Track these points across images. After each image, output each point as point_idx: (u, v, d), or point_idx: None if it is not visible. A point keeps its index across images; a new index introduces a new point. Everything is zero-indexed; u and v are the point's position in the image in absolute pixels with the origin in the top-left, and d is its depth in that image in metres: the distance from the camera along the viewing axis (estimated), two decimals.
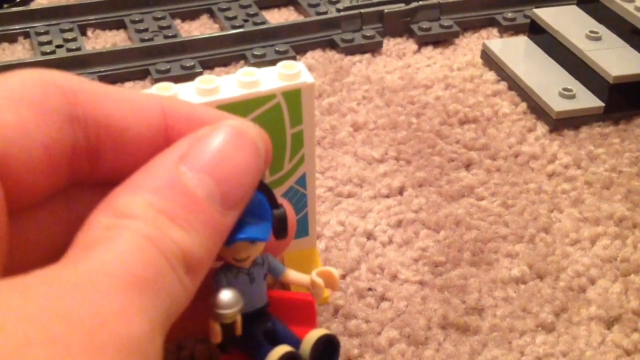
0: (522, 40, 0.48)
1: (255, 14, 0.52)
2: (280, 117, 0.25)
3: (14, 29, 0.49)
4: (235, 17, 0.51)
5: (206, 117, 0.20)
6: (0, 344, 0.12)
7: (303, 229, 0.28)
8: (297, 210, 0.27)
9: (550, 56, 0.45)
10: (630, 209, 0.35)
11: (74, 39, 0.48)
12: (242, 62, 0.47)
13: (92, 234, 0.16)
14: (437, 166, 0.38)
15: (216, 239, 0.18)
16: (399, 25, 0.50)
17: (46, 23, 0.50)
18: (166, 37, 0.49)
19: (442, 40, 0.50)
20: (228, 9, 0.52)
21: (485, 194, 0.36)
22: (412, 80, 0.45)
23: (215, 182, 0.18)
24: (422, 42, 0.50)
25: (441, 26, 0.50)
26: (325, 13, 0.51)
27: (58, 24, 0.50)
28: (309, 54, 0.48)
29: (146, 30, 0.49)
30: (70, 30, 0.49)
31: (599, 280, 0.31)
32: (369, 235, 0.33)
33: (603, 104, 0.41)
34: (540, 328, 0.29)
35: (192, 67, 0.45)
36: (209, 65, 0.47)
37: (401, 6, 0.50)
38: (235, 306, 0.20)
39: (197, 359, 0.27)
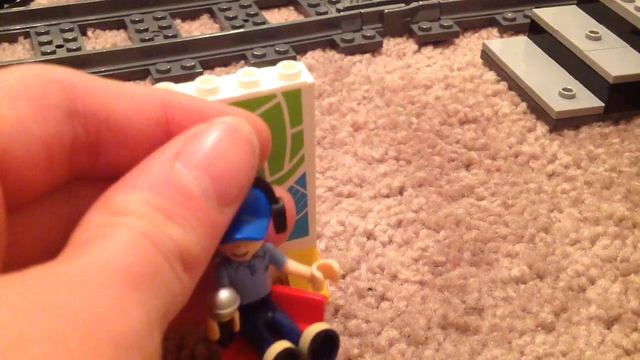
0: (522, 40, 0.48)
1: (256, 14, 0.52)
2: (280, 117, 0.25)
3: (14, 29, 0.49)
4: (235, 17, 0.51)
5: (206, 110, 0.20)
6: None
7: (303, 229, 0.28)
8: (297, 210, 0.27)
9: (550, 56, 0.45)
10: (630, 209, 0.35)
11: (74, 39, 0.48)
12: (242, 62, 0.47)
13: (88, 232, 0.16)
14: (437, 166, 0.38)
15: (213, 235, 0.18)
16: (399, 25, 0.50)
17: (46, 23, 0.50)
18: (166, 37, 0.49)
19: (442, 40, 0.50)
20: (228, 9, 0.52)
21: (485, 194, 0.36)
22: (412, 80, 0.45)
23: (210, 179, 0.18)
24: (422, 42, 0.50)
25: (441, 26, 0.50)
26: (326, 13, 0.51)
27: (58, 24, 0.50)
28: (309, 54, 0.48)
29: (146, 30, 0.49)
30: (71, 30, 0.49)
31: (599, 280, 0.31)
32: (369, 235, 0.33)
33: (603, 104, 0.41)
34: (540, 328, 0.29)
35: (193, 67, 0.45)
36: (209, 65, 0.47)
37: (401, 6, 0.50)
38: (232, 305, 0.20)
39: (197, 359, 0.27)
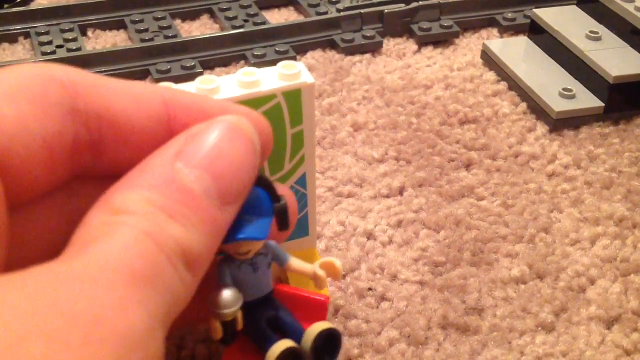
0: (522, 40, 0.48)
1: (256, 14, 0.52)
2: (280, 117, 0.25)
3: (14, 29, 0.49)
4: (235, 17, 0.51)
5: (208, 107, 0.20)
6: None
7: (303, 229, 0.28)
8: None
9: (550, 56, 0.45)
10: (630, 209, 0.35)
11: (74, 39, 0.48)
12: (242, 62, 0.47)
13: (89, 231, 0.16)
14: (437, 166, 0.38)
15: (215, 235, 0.18)
16: (399, 25, 0.50)
17: (46, 23, 0.50)
18: (166, 37, 0.49)
19: (442, 40, 0.50)
20: (228, 9, 0.52)
21: (485, 194, 0.36)
22: (412, 80, 0.45)
23: (211, 178, 0.18)
24: (422, 42, 0.50)
25: (441, 26, 0.50)
26: (326, 13, 0.51)
27: (58, 24, 0.50)
28: (309, 54, 0.48)
29: (146, 30, 0.49)
30: (71, 30, 0.49)
31: (599, 280, 0.31)
32: (369, 235, 0.33)
33: (603, 104, 0.41)
34: (540, 328, 0.29)
35: (193, 67, 0.45)
36: (209, 65, 0.47)
37: (401, 6, 0.50)
38: (235, 305, 0.20)
39: (197, 359, 0.27)
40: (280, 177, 0.27)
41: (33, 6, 0.52)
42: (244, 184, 0.19)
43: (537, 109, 0.42)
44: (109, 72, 0.45)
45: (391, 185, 0.36)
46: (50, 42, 0.47)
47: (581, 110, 0.41)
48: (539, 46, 0.46)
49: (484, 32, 0.52)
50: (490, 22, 0.52)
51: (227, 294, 0.20)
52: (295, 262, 0.23)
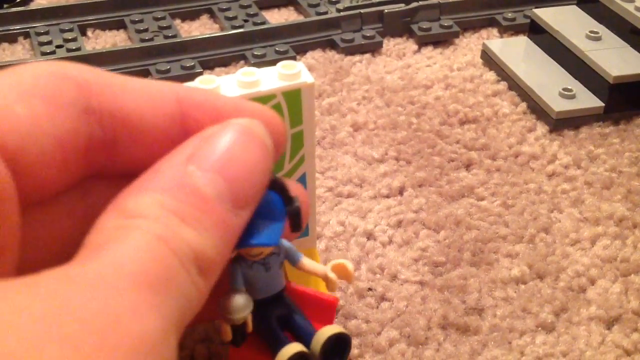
0: (522, 40, 0.48)
1: (255, 14, 0.52)
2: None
3: (14, 29, 0.49)
4: (235, 17, 0.51)
5: (221, 105, 0.20)
6: (11, 345, 0.12)
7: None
8: None
9: (550, 56, 0.45)
10: (630, 209, 0.35)
11: (74, 39, 0.48)
12: (242, 62, 0.47)
13: (102, 235, 0.16)
14: (437, 166, 0.38)
15: (228, 239, 0.17)
16: (399, 25, 0.50)
17: (46, 23, 0.50)
18: (166, 37, 0.49)
19: (442, 40, 0.50)
20: (228, 9, 0.52)
21: (485, 194, 0.36)
22: (412, 80, 0.45)
23: (225, 182, 0.17)
24: (422, 42, 0.50)
25: (441, 26, 0.50)
26: (325, 13, 0.51)
27: (58, 24, 0.50)
28: (309, 54, 0.48)
29: (146, 30, 0.49)
30: (70, 30, 0.49)
31: (599, 280, 0.31)
32: (369, 235, 0.33)
33: (603, 104, 0.41)
34: (540, 328, 0.29)
35: (192, 67, 0.45)
36: (209, 66, 0.47)
37: (401, 6, 0.50)
38: (245, 310, 0.20)
39: (197, 359, 0.27)
40: None
41: (33, 6, 0.52)
42: (257, 187, 0.18)
43: (537, 109, 0.42)
44: None
45: (391, 185, 0.36)
46: (50, 42, 0.47)
47: (581, 110, 0.41)
48: (539, 46, 0.46)
49: (484, 32, 0.52)
50: (490, 22, 0.52)
51: (238, 299, 0.20)
52: (307, 262, 0.23)
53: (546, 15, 0.46)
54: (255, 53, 0.46)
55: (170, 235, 0.16)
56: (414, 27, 0.50)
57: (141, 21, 0.51)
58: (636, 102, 0.42)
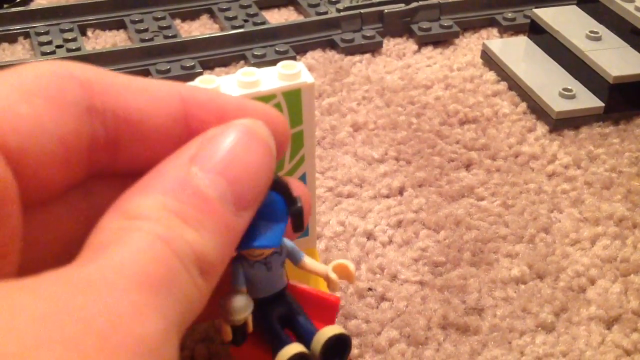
0: (522, 40, 0.48)
1: (255, 14, 0.52)
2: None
3: (14, 29, 0.49)
4: (235, 17, 0.51)
5: (225, 104, 0.20)
6: (10, 346, 0.12)
7: None
8: None
9: (550, 56, 0.45)
10: (630, 209, 0.35)
11: (74, 39, 0.48)
12: (242, 62, 0.47)
13: (103, 236, 0.16)
14: (437, 166, 0.38)
15: (230, 240, 0.17)
16: (399, 25, 0.50)
17: (46, 23, 0.50)
18: (166, 37, 0.49)
19: (442, 40, 0.50)
20: (228, 9, 0.52)
21: (485, 194, 0.36)
22: (412, 80, 0.45)
23: (227, 183, 0.17)
24: (422, 42, 0.50)
25: (441, 26, 0.50)
26: (325, 13, 0.51)
27: (58, 24, 0.50)
28: (309, 54, 0.48)
29: (146, 30, 0.49)
30: (70, 30, 0.49)
31: (599, 280, 0.31)
32: (369, 235, 0.33)
33: (603, 104, 0.41)
34: (540, 328, 0.29)
35: (192, 67, 0.45)
36: (209, 66, 0.47)
37: (401, 6, 0.50)
38: (246, 311, 0.20)
39: (197, 359, 0.27)
40: None
41: (33, 6, 0.52)
42: (259, 189, 0.18)
43: (537, 109, 0.42)
44: None
45: (391, 186, 0.36)
46: (50, 42, 0.47)
47: (581, 110, 0.41)
48: (539, 46, 0.46)
49: (484, 32, 0.52)
50: (490, 22, 0.52)
51: (238, 300, 0.20)
52: (308, 262, 0.23)
53: (546, 15, 0.46)
54: (255, 53, 0.46)
55: (172, 237, 0.16)
56: (414, 27, 0.50)
57: (141, 21, 0.51)
58: (636, 102, 0.42)
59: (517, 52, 0.46)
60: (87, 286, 0.14)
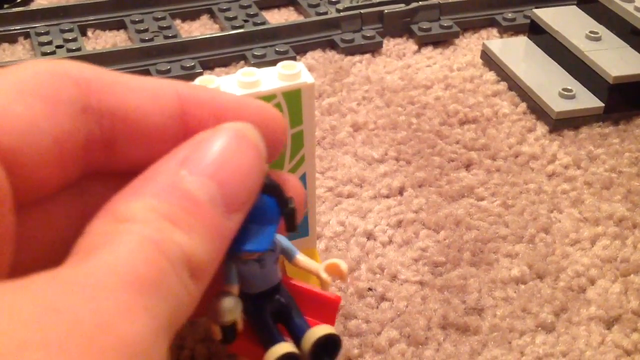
0: (522, 41, 0.48)
1: (255, 15, 0.52)
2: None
3: (14, 30, 0.49)
4: (235, 18, 0.51)
5: (222, 102, 0.20)
6: None
7: (303, 229, 0.28)
8: None
9: (550, 56, 0.45)
10: (630, 209, 0.35)
11: (74, 39, 0.48)
12: (242, 62, 0.47)
13: (92, 239, 0.16)
14: (437, 166, 0.38)
15: (220, 243, 0.17)
16: (399, 26, 0.50)
17: (46, 23, 0.50)
18: (166, 37, 0.49)
19: (442, 41, 0.50)
20: (228, 9, 0.52)
21: (485, 194, 0.36)
22: (412, 80, 0.45)
23: (217, 186, 0.17)
24: (422, 43, 0.50)
25: (441, 26, 0.50)
26: (325, 13, 0.51)
27: (58, 24, 0.50)
28: (309, 54, 0.48)
29: (146, 30, 0.49)
30: (71, 30, 0.49)
31: (599, 280, 0.31)
32: (369, 236, 0.33)
33: (603, 104, 0.41)
34: (540, 328, 0.29)
35: (192, 67, 0.45)
36: (209, 66, 0.47)
37: (401, 6, 0.50)
38: (234, 313, 0.20)
39: (197, 359, 0.27)
40: None
41: (33, 6, 0.52)
42: (249, 191, 0.18)
43: (537, 109, 0.42)
44: None
45: (391, 186, 0.36)
46: (50, 43, 0.47)
47: (581, 111, 0.41)
48: (539, 46, 0.46)
49: (484, 32, 0.52)
50: (490, 22, 0.52)
51: (226, 302, 0.20)
52: (302, 259, 0.23)
53: (546, 15, 0.46)
54: (255, 53, 0.47)
55: (162, 239, 0.16)
56: (414, 27, 0.50)
57: (141, 21, 0.51)
58: (636, 102, 0.42)
59: (517, 52, 0.46)
60: (76, 287, 0.14)
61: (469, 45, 0.50)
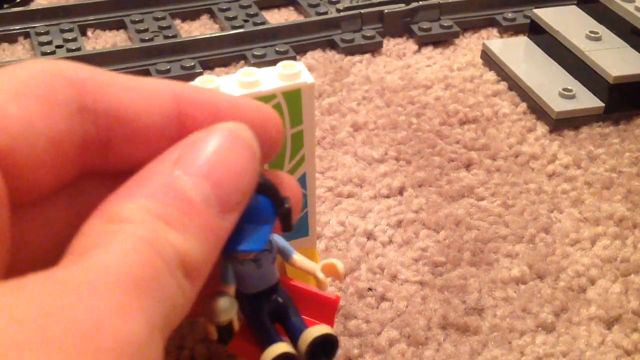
0: (522, 41, 0.48)
1: (255, 14, 0.52)
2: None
3: (14, 29, 0.49)
4: (235, 18, 0.51)
5: (218, 102, 0.20)
6: None
7: (303, 229, 0.28)
8: None
9: (550, 56, 0.45)
10: (630, 209, 0.35)
11: (74, 39, 0.48)
12: (242, 62, 0.47)
13: (87, 239, 0.16)
14: (437, 166, 0.38)
15: (214, 243, 0.17)
16: (399, 26, 0.50)
17: (46, 23, 0.50)
18: (166, 37, 0.49)
19: (442, 41, 0.50)
20: (228, 9, 0.52)
21: (485, 194, 0.36)
22: (412, 80, 0.45)
23: (211, 186, 0.17)
24: (422, 42, 0.50)
25: (441, 26, 0.50)
26: (325, 13, 0.51)
27: (58, 24, 0.50)
28: (309, 54, 0.48)
29: (146, 30, 0.49)
30: (70, 30, 0.49)
31: (599, 280, 0.31)
32: (369, 235, 0.33)
33: (603, 104, 0.41)
34: (540, 328, 0.29)
35: (192, 67, 0.45)
36: (209, 66, 0.47)
37: (401, 6, 0.50)
38: (229, 313, 0.20)
39: (197, 359, 0.27)
40: None
41: (33, 6, 0.52)
42: (244, 191, 0.18)
43: (537, 109, 0.42)
44: None
45: (391, 186, 0.36)
46: (50, 42, 0.47)
47: (581, 111, 0.41)
48: (539, 46, 0.46)
49: (484, 32, 0.52)
50: (490, 22, 0.52)
51: (221, 302, 0.20)
52: (298, 259, 0.23)
53: (546, 15, 0.46)
54: (255, 53, 0.46)
55: (156, 239, 0.16)
56: (414, 27, 0.50)
57: (141, 21, 0.51)
58: (636, 102, 0.42)
59: (517, 52, 0.46)
60: (71, 287, 0.14)
61: (469, 45, 0.50)
